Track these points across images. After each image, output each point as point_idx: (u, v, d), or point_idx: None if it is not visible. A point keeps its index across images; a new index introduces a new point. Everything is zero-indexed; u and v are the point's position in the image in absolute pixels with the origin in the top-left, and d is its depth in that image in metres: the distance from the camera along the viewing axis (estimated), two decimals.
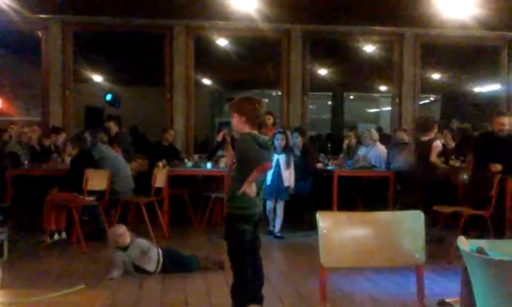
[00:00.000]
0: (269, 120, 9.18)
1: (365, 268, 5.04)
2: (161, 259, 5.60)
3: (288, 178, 7.62)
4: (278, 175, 7.54)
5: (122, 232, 5.60)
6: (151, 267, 5.56)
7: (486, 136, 7.65)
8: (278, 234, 7.70)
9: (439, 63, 13.53)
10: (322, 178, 8.47)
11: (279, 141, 7.51)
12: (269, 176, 7.11)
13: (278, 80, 10.56)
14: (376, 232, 2.73)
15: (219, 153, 8.62)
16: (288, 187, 7.64)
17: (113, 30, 10.30)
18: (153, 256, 5.59)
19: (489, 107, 12.41)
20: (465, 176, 7.64)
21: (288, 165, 7.62)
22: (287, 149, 7.66)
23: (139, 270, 5.55)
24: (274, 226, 7.75)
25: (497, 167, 6.84)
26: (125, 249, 5.54)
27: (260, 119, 4.21)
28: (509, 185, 6.87)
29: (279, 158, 7.52)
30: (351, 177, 8.62)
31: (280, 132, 7.83)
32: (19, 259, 6.18)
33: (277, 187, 7.57)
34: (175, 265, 5.64)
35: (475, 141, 7.97)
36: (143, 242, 5.72)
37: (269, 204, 7.67)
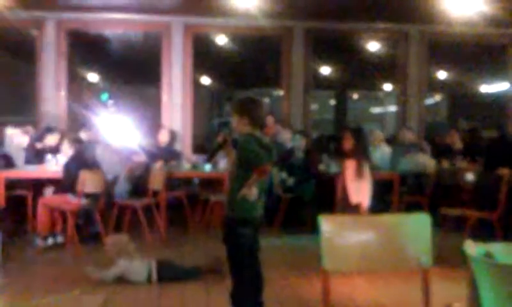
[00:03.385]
0: (270, 120, 9.05)
1: (369, 272, 4.93)
2: (154, 271, 5.34)
3: (356, 192, 5.94)
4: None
5: (125, 242, 5.47)
6: (135, 277, 5.31)
7: (499, 139, 7.63)
8: None
9: (445, 61, 13.40)
10: (325, 180, 8.27)
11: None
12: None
13: (279, 79, 10.39)
14: (380, 235, 2.69)
15: (219, 154, 8.43)
16: (356, 206, 5.94)
17: (109, 28, 10.17)
18: (138, 267, 5.35)
19: (497, 106, 12.29)
20: (470, 176, 7.52)
21: (360, 175, 5.96)
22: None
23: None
24: None
25: (504, 171, 6.75)
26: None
27: (262, 120, 4.16)
28: None
29: None
30: None
31: (348, 128, 6.56)
32: (13, 263, 6.05)
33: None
34: (170, 279, 5.36)
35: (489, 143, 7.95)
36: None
37: None
